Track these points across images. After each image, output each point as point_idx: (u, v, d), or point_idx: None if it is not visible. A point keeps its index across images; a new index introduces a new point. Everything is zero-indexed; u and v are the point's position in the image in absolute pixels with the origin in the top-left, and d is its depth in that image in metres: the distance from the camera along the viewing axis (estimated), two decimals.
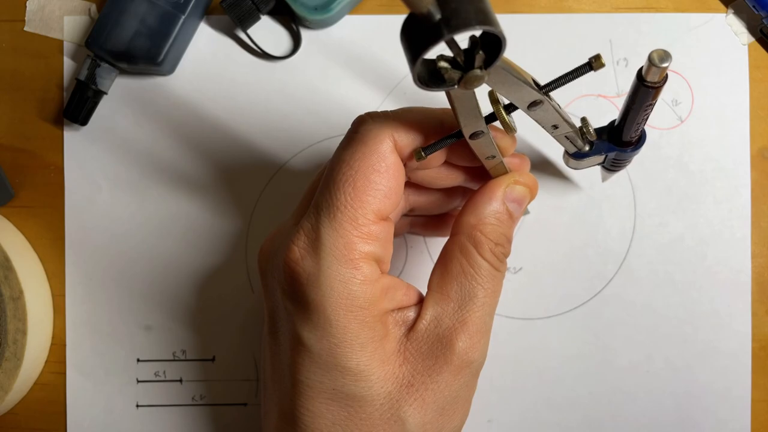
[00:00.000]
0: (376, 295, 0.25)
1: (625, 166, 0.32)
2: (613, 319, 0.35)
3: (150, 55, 0.34)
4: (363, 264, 0.25)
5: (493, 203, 0.27)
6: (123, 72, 0.36)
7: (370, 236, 0.25)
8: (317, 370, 0.25)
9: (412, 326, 0.26)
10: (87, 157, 0.36)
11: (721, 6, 0.35)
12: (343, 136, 0.26)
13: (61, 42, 0.36)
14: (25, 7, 0.36)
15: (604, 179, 0.34)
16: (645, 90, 0.24)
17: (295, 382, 0.26)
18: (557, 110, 0.25)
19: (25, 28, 0.36)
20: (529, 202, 0.28)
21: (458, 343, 0.26)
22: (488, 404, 0.35)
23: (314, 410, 0.26)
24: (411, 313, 0.27)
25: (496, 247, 0.27)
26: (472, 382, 0.27)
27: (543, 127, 0.26)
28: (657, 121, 0.35)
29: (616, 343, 0.35)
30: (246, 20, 0.34)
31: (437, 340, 0.26)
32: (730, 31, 0.35)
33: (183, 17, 0.34)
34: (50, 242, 0.36)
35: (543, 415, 0.35)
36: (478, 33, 0.19)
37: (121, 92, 0.36)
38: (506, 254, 0.27)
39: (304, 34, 0.36)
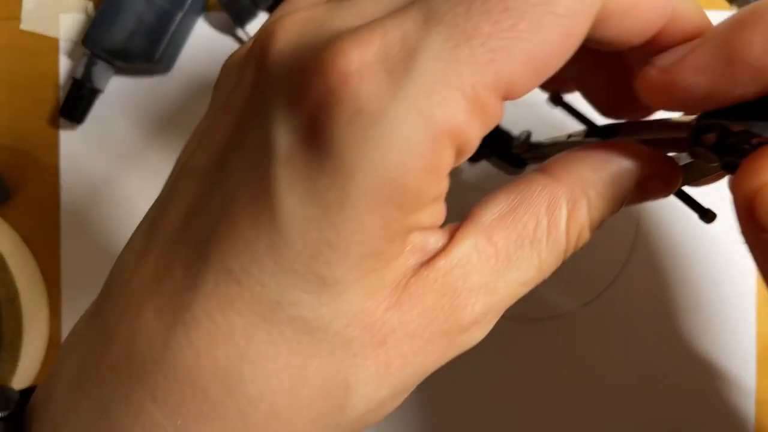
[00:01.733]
0: (429, 195, 0.17)
1: None
2: (617, 319, 0.35)
3: (147, 52, 0.33)
4: (448, 143, 0.16)
5: (628, 177, 0.19)
6: (119, 70, 0.35)
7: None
8: (274, 257, 0.16)
9: (428, 260, 0.18)
10: (84, 157, 0.36)
11: (725, 3, 0.35)
12: None
13: (57, 40, 0.36)
14: (21, 5, 0.36)
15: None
16: None
17: (218, 267, 0.16)
18: None
19: (21, 26, 0.36)
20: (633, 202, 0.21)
21: (467, 313, 0.18)
22: (490, 406, 0.35)
23: (219, 321, 0.16)
24: (433, 241, 0.18)
25: (585, 231, 0.19)
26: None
27: None
28: None
29: (619, 343, 0.35)
30: (244, 17, 0.34)
31: (451, 294, 0.18)
32: None
33: (180, 15, 0.33)
34: (46, 243, 0.36)
35: (545, 417, 0.35)
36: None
37: (117, 91, 0.36)
38: (584, 244, 0.20)
39: None
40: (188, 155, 0.20)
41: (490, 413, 0.35)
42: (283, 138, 0.16)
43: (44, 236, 0.36)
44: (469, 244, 0.18)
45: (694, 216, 0.33)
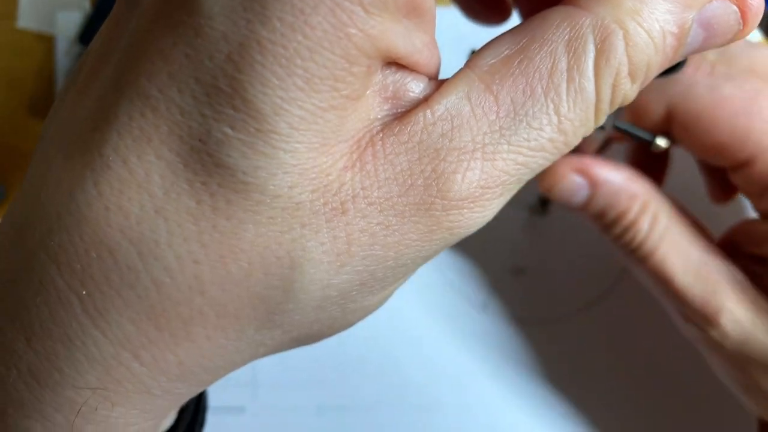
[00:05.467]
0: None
1: None
2: (621, 321, 0.34)
3: None
4: None
5: (675, 5, 0.14)
6: None
7: None
8: (194, 69, 0.13)
9: (406, 112, 0.14)
10: None
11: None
12: None
13: (53, 38, 0.36)
14: (18, 2, 0.36)
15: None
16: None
17: (132, 94, 0.13)
18: None
19: (17, 24, 0.36)
20: (721, 43, 0.16)
21: (456, 182, 0.14)
22: (491, 408, 0.34)
23: (133, 164, 0.13)
24: (415, 87, 0.15)
25: (623, 79, 0.14)
26: (432, 256, 0.16)
27: None
28: None
29: (622, 346, 0.34)
30: None
31: (432, 155, 0.14)
32: None
33: None
34: None
35: (548, 420, 0.34)
36: None
37: None
38: (625, 101, 0.15)
39: None
40: None
41: (490, 415, 0.35)
42: None
43: None
44: (460, 93, 0.14)
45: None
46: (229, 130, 0.13)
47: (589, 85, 0.14)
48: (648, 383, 0.34)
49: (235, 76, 0.12)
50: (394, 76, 0.14)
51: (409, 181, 0.14)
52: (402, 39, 0.13)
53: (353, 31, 0.12)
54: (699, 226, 0.26)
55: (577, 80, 0.14)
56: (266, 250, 0.13)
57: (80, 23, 0.35)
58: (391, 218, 0.14)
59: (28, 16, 0.36)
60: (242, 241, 0.13)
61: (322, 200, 0.13)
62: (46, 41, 0.36)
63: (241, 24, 0.12)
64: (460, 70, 0.15)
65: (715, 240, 0.26)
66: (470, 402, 0.34)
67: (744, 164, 0.23)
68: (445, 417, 0.34)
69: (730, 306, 0.23)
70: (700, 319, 0.24)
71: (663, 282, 0.24)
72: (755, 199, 0.24)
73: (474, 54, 0.15)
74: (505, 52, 0.14)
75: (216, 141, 0.13)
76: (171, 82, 0.13)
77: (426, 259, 0.15)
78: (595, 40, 0.14)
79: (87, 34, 0.33)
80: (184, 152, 0.13)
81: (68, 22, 0.35)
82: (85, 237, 0.13)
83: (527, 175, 0.15)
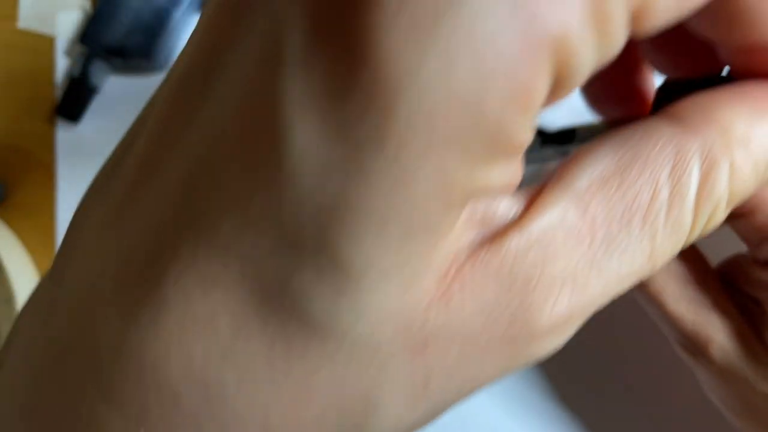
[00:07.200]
0: (511, 138, 0.11)
1: None
2: (620, 321, 0.34)
3: (145, 50, 0.33)
4: (549, 59, 0.11)
5: None
6: (116, 69, 0.35)
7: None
8: (275, 222, 0.11)
9: (495, 236, 0.13)
10: (80, 156, 0.36)
11: None
12: None
13: (54, 38, 0.36)
14: (18, 3, 0.36)
15: None
16: None
17: (196, 230, 0.12)
18: None
19: (18, 25, 0.36)
20: None
21: (544, 314, 0.13)
22: (491, 406, 0.34)
23: (197, 304, 0.12)
24: (502, 209, 0.13)
25: (720, 210, 0.14)
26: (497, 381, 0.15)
27: None
28: None
29: (621, 347, 0.34)
30: None
31: (522, 285, 0.12)
32: None
33: (179, 12, 0.33)
34: (43, 243, 0.35)
35: (546, 420, 0.34)
36: None
37: (114, 90, 0.36)
38: (715, 227, 0.14)
39: None
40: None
41: (490, 414, 0.35)
42: (296, 31, 0.10)
43: (41, 236, 0.35)
44: (556, 216, 0.13)
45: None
46: (312, 279, 0.11)
47: (688, 218, 0.13)
48: (647, 384, 0.34)
49: (325, 228, 0.11)
50: (485, 203, 0.13)
51: (495, 314, 0.12)
52: (498, 177, 0.12)
53: (458, 186, 0.11)
54: (697, 254, 0.26)
55: (676, 213, 0.13)
56: (342, 393, 0.12)
57: (81, 24, 0.36)
58: (471, 352, 0.13)
59: (28, 16, 0.36)
60: (316, 385, 0.12)
61: (402, 339, 0.12)
62: (47, 42, 0.36)
63: (332, 186, 0.11)
64: (552, 182, 0.13)
65: (711, 267, 0.26)
66: (469, 401, 0.34)
67: (746, 213, 0.23)
68: (445, 416, 0.34)
69: (719, 338, 0.24)
70: (691, 345, 0.25)
71: (657, 307, 0.25)
72: (753, 247, 0.24)
73: (565, 165, 0.13)
74: (604, 172, 0.13)
75: (296, 290, 0.11)
76: (245, 228, 0.11)
77: (492, 384, 0.15)
78: (700, 169, 0.13)
79: (87, 34, 0.33)
80: (256, 297, 0.11)
81: (69, 22, 0.36)
82: (144, 379, 0.12)
83: (608, 301, 0.14)
